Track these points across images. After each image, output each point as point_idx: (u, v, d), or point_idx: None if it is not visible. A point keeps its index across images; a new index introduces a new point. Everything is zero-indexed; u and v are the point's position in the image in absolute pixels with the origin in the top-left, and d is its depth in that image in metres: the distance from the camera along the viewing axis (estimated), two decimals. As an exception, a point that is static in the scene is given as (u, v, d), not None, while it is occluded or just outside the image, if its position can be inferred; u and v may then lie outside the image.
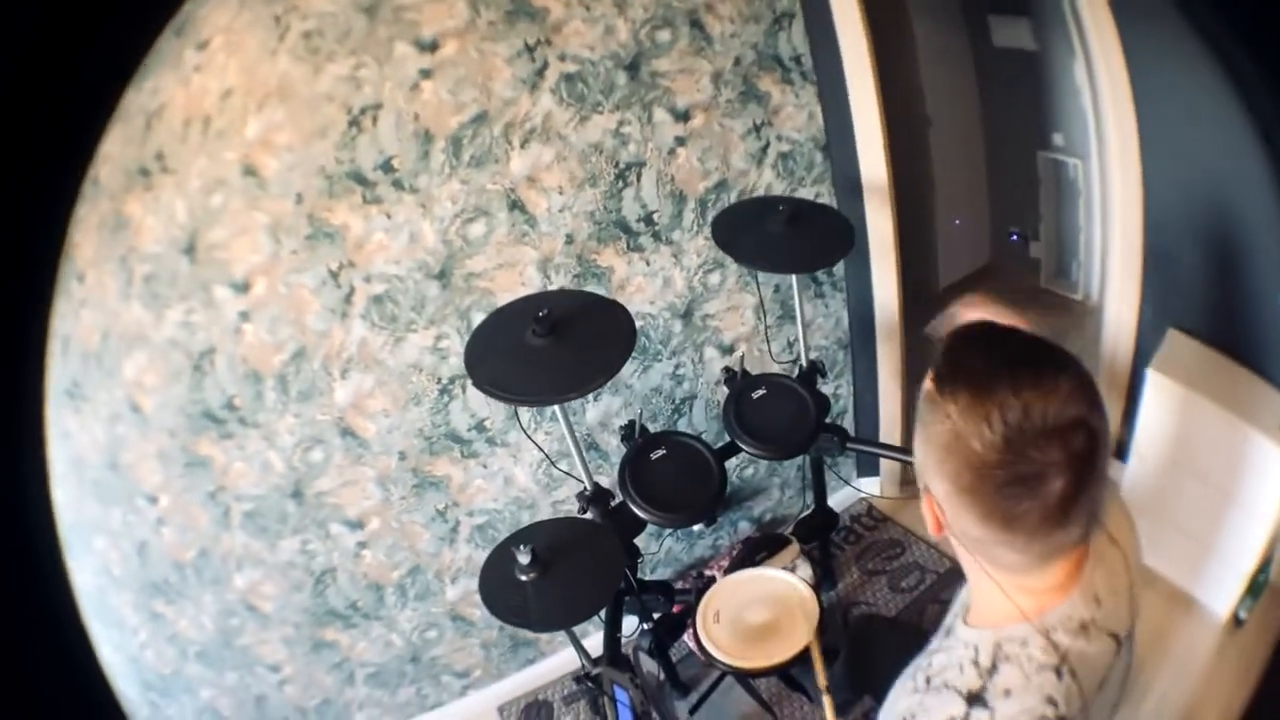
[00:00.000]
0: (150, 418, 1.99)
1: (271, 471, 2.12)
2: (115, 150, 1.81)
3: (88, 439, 1.97)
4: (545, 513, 2.40)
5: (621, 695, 1.74)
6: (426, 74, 1.94)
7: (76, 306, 1.87)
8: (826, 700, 1.69)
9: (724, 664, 1.94)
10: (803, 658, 1.92)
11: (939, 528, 0.90)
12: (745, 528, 2.79)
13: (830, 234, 2.16)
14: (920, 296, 3.56)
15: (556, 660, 2.59)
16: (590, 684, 1.76)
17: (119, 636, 2.14)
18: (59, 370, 1.90)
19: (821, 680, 1.74)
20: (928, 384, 0.87)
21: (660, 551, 2.61)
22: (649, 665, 2.38)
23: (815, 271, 2.47)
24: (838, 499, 2.86)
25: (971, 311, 1.39)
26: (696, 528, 2.64)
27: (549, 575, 1.79)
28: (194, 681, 2.22)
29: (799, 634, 1.92)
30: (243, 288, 1.96)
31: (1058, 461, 0.77)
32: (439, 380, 2.18)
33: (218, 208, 1.89)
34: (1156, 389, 2.27)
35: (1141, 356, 2.49)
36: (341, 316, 2.05)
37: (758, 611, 2.01)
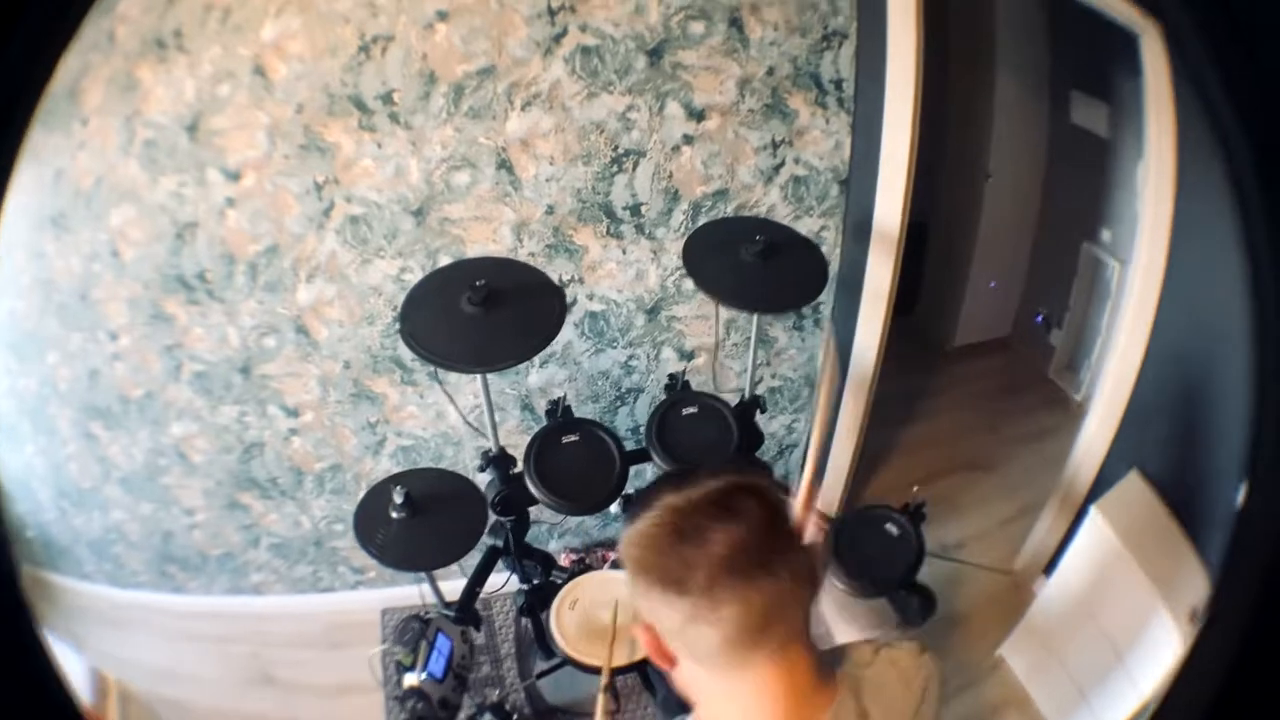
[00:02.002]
0: (127, 266, 2.14)
1: (227, 344, 2.27)
2: (134, 14, 1.90)
3: (63, 265, 2.13)
4: (469, 453, 2.50)
5: (444, 645, 1.86)
6: (443, 16, 1.96)
7: (75, 147, 1.99)
8: (601, 698, 1.73)
9: (559, 649, 2.05)
10: (631, 670, 2.01)
11: (668, 661, 0.88)
12: (663, 522, 2.84)
13: (800, 278, 2.11)
14: (931, 348, 3.46)
15: (446, 585, 2.74)
16: (420, 623, 1.88)
17: (47, 443, 2.37)
18: (48, 198, 2.04)
19: (603, 680, 1.78)
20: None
21: (572, 521, 2.70)
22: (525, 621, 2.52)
23: (770, 314, 2.41)
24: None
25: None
26: (614, 510, 2.71)
27: (415, 520, 1.90)
28: (110, 502, 2.45)
29: (637, 648, 2.00)
30: (234, 176, 2.06)
31: (724, 525, 0.79)
32: (395, 308, 2.25)
33: (224, 97, 1.98)
34: (1094, 529, 2.18)
35: (1100, 484, 2.38)
36: (318, 227, 2.14)
37: (610, 612, 2.09)
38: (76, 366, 2.26)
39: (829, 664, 0.91)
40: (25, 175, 2.03)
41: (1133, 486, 2.21)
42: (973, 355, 3.40)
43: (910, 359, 3.12)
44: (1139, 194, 2.43)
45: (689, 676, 0.88)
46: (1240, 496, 1.82)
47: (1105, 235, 2.89)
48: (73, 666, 2.03)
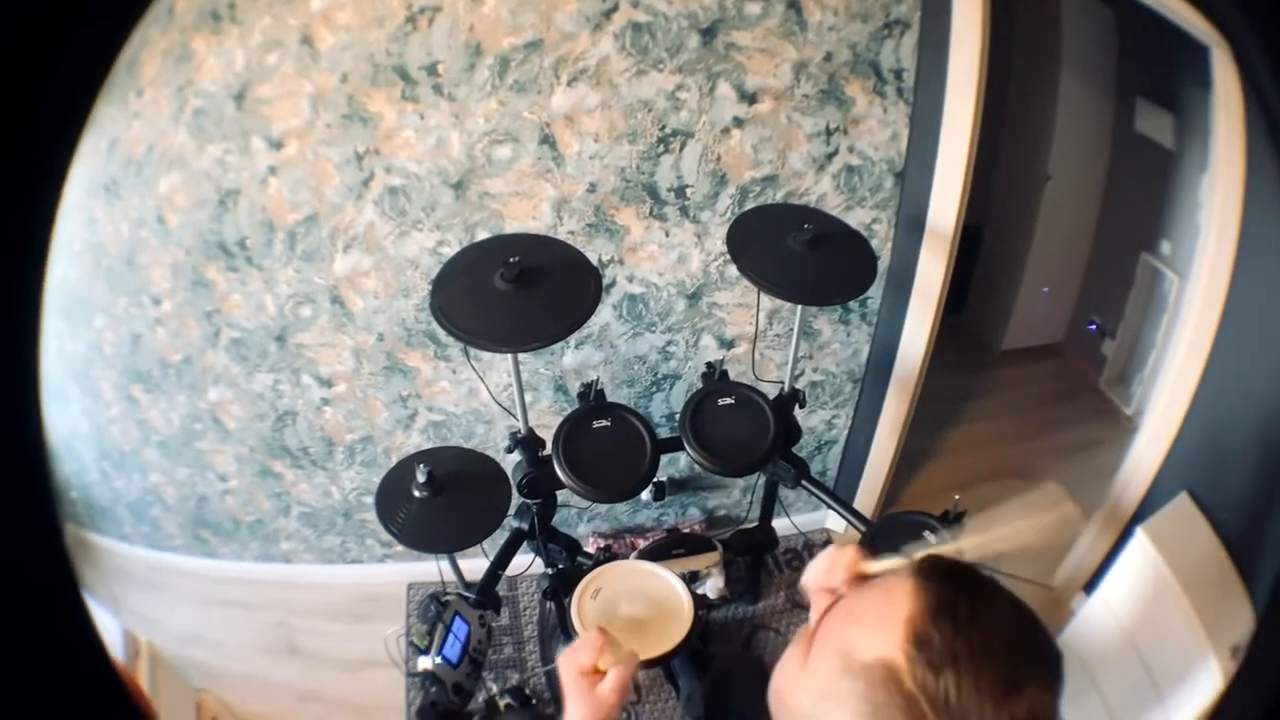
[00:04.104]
0: (172, 232, 2.15)
1: (264, 312, 2.27)
2: (194, -13, 1.90)
3: (112, 231, 2.15)
4: (500, 431, 2.48)
5: (461, 629, 1.83)
6: (493, -13, 1.91)
7: (130, 116, 2.00)
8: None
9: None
10: (649, 666, 1.97)
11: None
12: (695, 514, 2.79)
13: (848, 270, 2.03)
14: (979, 349, 3.35)
15: (474, 564, 2.73)
16: (438, 605, 1.86)
17: (92, 405, 2.40)
18: (102, 166, 2.06)
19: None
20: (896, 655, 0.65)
21: (602, 506, 2.66)
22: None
23: (815, 306, 2.33)
24: (803, 519, 2.82)
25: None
26: (645, 497, 2.67)
27: (438, 500, 1.88)
28: (148, 465, 2.47)
29: (661, 642, 1.95)
30: (277, 145, 2.05)
31: (1035, 678, 0.64)
32: (431, 281, 2.23)
33: (271, 66, 1.96)
34: (1139, 552, 2.06)
35: (1149, 504, 2.28)
36: (357, 197, 2.12)
37: (634, 604, 2.04)
38: (121, 330, 2.29)
39: None
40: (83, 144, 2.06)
41: (1182, 510, 2.09)
42: (1022, 359, 3.28)
43: (957, 359, 3.01)
44: (1203, 208, 2.31)
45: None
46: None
47: (1165, 247, 2.76)
48: (108, 628, 2.06)
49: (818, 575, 0.94)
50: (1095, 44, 2.83)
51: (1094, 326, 3.09)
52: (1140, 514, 2.31)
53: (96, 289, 2.23)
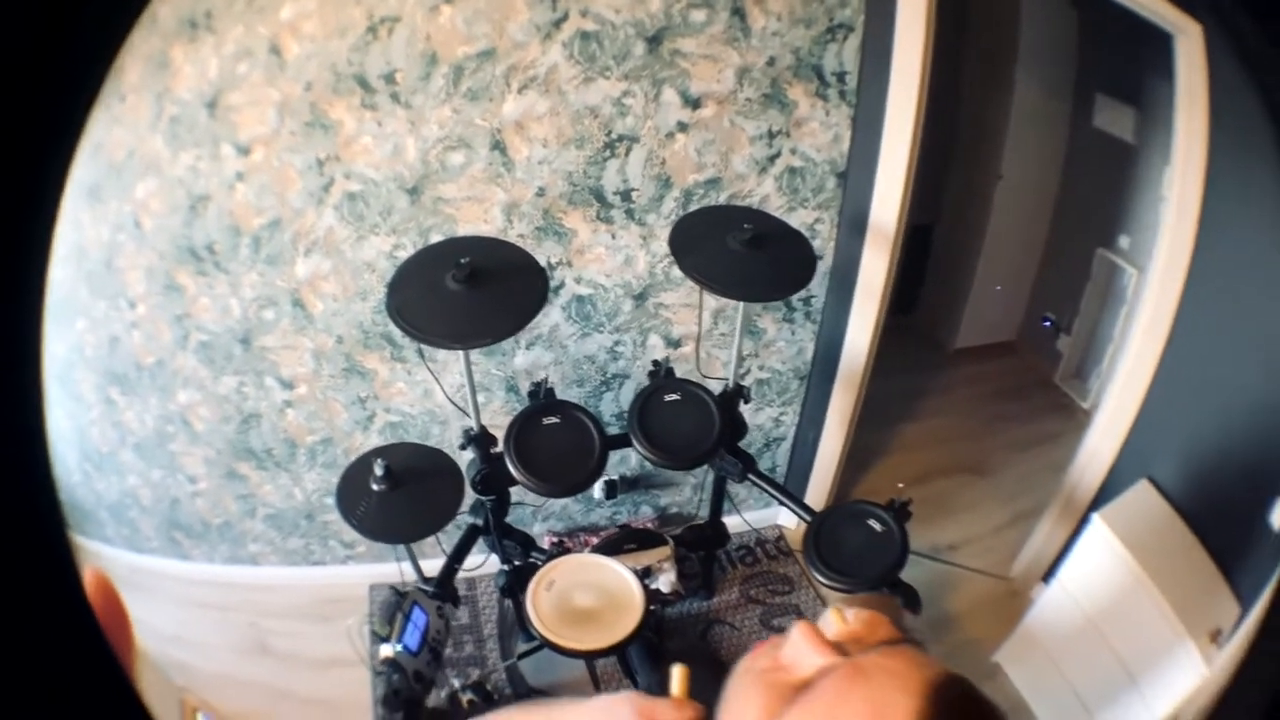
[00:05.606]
0: (148, 236, 2.21)
1: (229, 315, 2.33)
2: (176, -6, 1.98)
3: (94, 235, 2.21)
4: (455, 432, 2.52)
5: (420, 618, 1.88)
6: (450, -1, 1.98)
7: (111, 122, 2.06)
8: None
9: (535, 631, 2.06)
10: (603, 655, 2.01)
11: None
12: (647, 512, 2.84)
13: (788, 268, 2.09)
14: (932, 349, 3.41)
15: (434, 564, 2.77)
16: (397, 596, 1.90)
17: (74, 407, 2.45)
18: (87, 170, 2.12)
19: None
20: None
21: (556, 505, 2.71)
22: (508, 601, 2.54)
23: (754, 302, 2.39)
24: (755, 516, 2.87)
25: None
26: (597, 495, 2.72)
27: (395, 493, 1.94)
28: (125, 467, 2.53)
29: (613, 632, 2.00)
30: (245, 151, 2.12)
31: None
32: (386, 284, 2.29)
33: (241, 75, 2.03)
34: (1097, 538, 2.10)
35: (1106, 492, 2.33)
36: (317, 202, 2.19)
37: (587, 596, 2.09)
38: (100, 333, 2.35)
39: None
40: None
41: (1143, 496, 2.15)
42: (976, 357, 3.35)
43: (911, 359, 3.06)
44: (1165, 201, 2.37)
45: None
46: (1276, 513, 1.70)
47: (1123, 242, 2.82)
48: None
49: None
50: (1054, 44, 2.90)
51: (1049, 323, 3.16)
52: (1097, 503, 2.36)
53: (79, 292, 2.29)
